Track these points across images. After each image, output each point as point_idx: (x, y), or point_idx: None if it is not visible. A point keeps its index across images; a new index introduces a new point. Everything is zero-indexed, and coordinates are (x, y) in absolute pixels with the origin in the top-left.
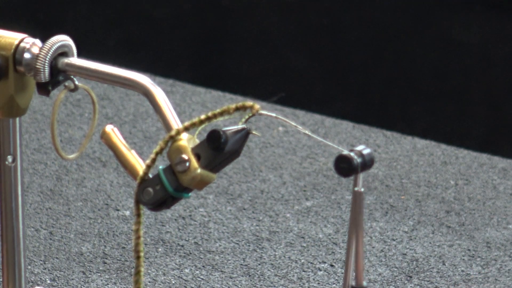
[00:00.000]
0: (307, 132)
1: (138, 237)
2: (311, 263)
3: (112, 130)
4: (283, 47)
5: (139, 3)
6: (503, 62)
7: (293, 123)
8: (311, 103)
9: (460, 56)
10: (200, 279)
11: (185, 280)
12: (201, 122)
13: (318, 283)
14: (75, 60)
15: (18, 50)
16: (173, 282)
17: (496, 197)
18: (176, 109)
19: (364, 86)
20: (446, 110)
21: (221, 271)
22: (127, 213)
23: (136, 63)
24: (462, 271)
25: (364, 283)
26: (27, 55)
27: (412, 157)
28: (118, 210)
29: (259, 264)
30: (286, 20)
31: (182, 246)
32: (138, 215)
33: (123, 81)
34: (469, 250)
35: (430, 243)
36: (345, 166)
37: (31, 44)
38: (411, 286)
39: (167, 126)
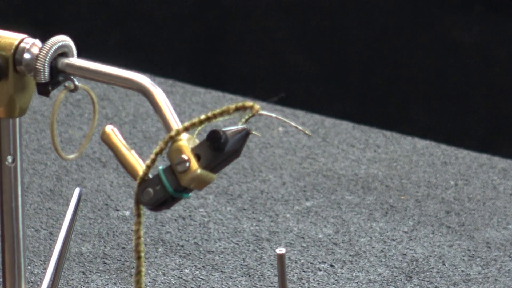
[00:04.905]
0: (307, 132)
1: (138, 237)
2: (311, 263)
3: (112, 130)
4: (283, 47)
5: (139, 3)
6: (503, 62)
7: (293, 123)
8: (311, 103)
9: (460, 56)
10: (200, 279)
11: (185, 280)
12: (201, 122)
13: (318, 283)
14: (75, 60)
15: (18, 51)
16: (173, 282)
17: (496, 197)
18: (176, 109)
19: (364, 86)
20: (446, 110)
21: (221, 271)
22: (127, 213)
23: (136, 63)
24: (462, 271)
25: None
26: (27, 56)
27: (412, 157)
28: (118, 210)
29: (259, 264)
30: (286, 20)
31: (182, 246)
32: (138, 215)
33: (123, 81)
34: (469, 250)
35: (430, 243)
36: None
37: (31, 45)
38: (411, 286)
39: (167, 126)
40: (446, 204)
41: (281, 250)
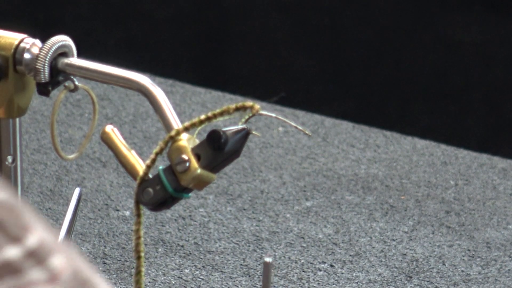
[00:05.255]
0: (307, 132)
1: (138, 237)
2: (311, 263)
3: (112, 130)
4: (283, 47)
5: (139, 3)
6: (503, 62)
7: (293, 123)
8: (311, 103)
9: (460, 56)
10: (200, 279)
11: (185, 280)
12: (201, 122)
13: (318, 283)
14: (75, 60)
15: (18, 50)
16: (173, 282)
17: (496, 197)
18: (176, 109)
19: (364, 86)
20: (446, 110)
21: (221, 271)
22: (127, 213)
23: (136, 63)
24: (462, 271)
25: None
26: (27, 55)
27: (412, 157)
28: (118, 210)
29: (259, 264)
30: (286, 20)
31: (182, 246)
32: (138, 215)
33: (123, 81)
34: (469, 250)
35: (430, 243)
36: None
37: (31, 44)
38: (411, 286)
39: (167, 126)
40: (446, 204)
41: (268, 258)
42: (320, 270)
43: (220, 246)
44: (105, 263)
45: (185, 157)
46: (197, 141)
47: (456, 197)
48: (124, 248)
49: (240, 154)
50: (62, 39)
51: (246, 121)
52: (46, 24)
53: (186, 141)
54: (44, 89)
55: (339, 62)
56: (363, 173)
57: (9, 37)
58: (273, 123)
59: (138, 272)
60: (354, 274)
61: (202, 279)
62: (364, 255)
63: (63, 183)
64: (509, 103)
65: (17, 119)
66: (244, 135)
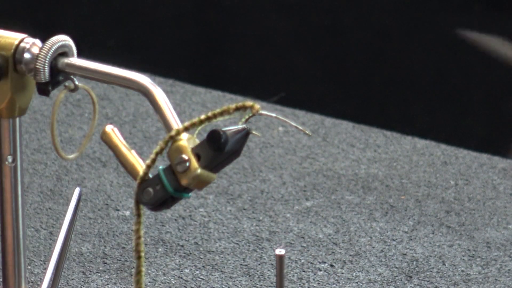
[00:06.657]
0: (307, 132)
1: (138, 237)
2: (311, 263)
3: (112, 130)
4: (283, 47)
5: (139, 3)
6: (503, 62)
7: (293, 123)
8: (311, 103)
9: (460, 56)
10: (200, 279)
11: (185, 280)
12: (201, 122)
13: (318, 283)
14: (75, 60)
15: (18, 50)
16: (173, 282)
17: (496, 197)
18: (176, 109)
19: (364, 86)
20: (446, 110)
21: (221, 271)
22: (127, 213)
23: (136, 63)
24: (462, 271)
25: None
26: (27, 55)
27: (412, 157)
28: (118, 210)
29: (259, 264)
30: (286, 20)
31: (182, 246)
32: (138, 215)
33: (123, 81)
34: (469, 250)
35: (430, 243)
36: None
37: (31, 44)
38: (411, 286)
39: (167, 126)
40: (446, 204)
41: (280, 251)
42: (320, 270)
43: (220, 246)
44: (105, 263)
45: (185, 157)
46: (197, 141)
47: (456, 197)
48: (124, 248)
49: (240, 154)
50: (62, 39)
51: (246, 121)
52: (46, 24)
53: (186, 141)
54: (44, 89)
55: (339, 62)
56: (363, 173)
57: (9, 37)
58: (273, 123)
59: (138, 272)
60: (354, 274)
61: (202, 279)
62: (364, 255)
63: (63, 183)
64: (509, 103)
65: (17, 119)
66: (244, 135)
